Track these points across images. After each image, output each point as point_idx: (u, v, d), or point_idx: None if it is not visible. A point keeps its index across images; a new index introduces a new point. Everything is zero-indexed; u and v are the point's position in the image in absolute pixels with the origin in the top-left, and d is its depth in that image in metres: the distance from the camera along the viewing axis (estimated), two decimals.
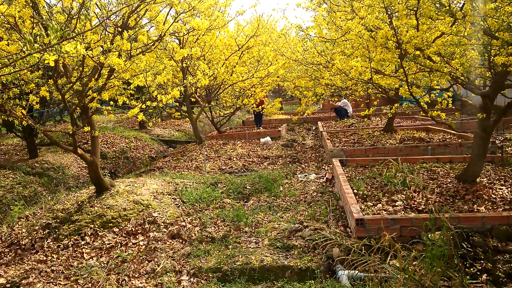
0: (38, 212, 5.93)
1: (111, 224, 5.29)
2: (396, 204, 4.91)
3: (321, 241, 4.34)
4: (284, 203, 6.20)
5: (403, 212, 4.68)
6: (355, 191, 5.43)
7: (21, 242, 5.19)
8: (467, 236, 4.14)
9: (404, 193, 5.24)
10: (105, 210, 5.48)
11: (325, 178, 7.26)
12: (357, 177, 6.25)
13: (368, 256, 3.67)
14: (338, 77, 7.16)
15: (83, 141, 13.09)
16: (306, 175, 7.74)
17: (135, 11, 4.90)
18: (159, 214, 5.56)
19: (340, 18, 5.89)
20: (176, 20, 4.96)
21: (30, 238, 5.23)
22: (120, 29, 4.81)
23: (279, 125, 14.45)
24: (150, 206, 5.68)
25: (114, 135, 14.12)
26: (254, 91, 11.96)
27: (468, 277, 3.57)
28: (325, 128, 12.44)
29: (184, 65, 9.29)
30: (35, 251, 4.98)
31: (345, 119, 13.92)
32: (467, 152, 7.54)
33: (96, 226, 5.24)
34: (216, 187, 6.95)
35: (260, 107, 12.64)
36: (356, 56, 6.30)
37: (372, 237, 4.25)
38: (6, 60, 2.32)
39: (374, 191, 5.46)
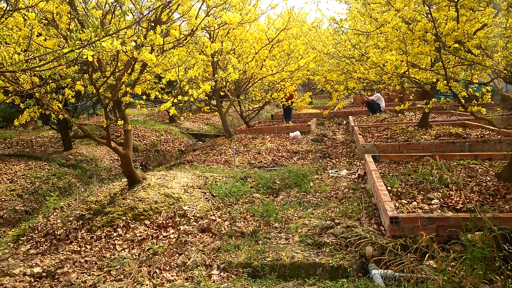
0: (73, 204, 6.10)
1: (143, 217, 5.37)
2: (432, 203, 4.74)
3: (353, 239, 4.24)
4: (315, 199, 6.12)
5: (440, 211, 4.51)
6: (389, 188, 5.28)
7: (56, 233, 5.35)
8: (510, 237, 3.94)
9: (441, 191, 5.05)
10: (136, 202, 5.57)
11: (357, 174, 7.11)
12: (391, 174, 6.08)
13: (404, 256, 3.55)
14: (373, 71, 6.97)
15: (115, 134, 13.41)
16: (337, 171, 7.61)
17: (168, 6, 4.91)
18: (189, 207, 5.59)
19: (374, 10, 5.72)
20: (208, 15, 4.93)
21: (65, 228, 5.38)
22: (153, 24, 4.84)
23: (308, 119, 14.29)
24: (180, 200, 5.73)
25: (145, 128, 14.39)
26: (284, 85, 11.86)
27: (510, 280, 3.40)
28: (356, 122, 12.20)
29: (215, 59, 9.30)
30: (69, 241, 5.12)
31: (378, 113, 13.61)
32: (508, 149, 7.20)
33: (128, 218, 5.33)
34: (246, 182, 6.94)
35: (289, 101, 12.52)
36: (390, 49, 6.11)
37: (407, 236, 4.11)
38: (49, 56, 2.35)
39: (409, 189, 5.29)
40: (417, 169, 6.04)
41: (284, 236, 4.83)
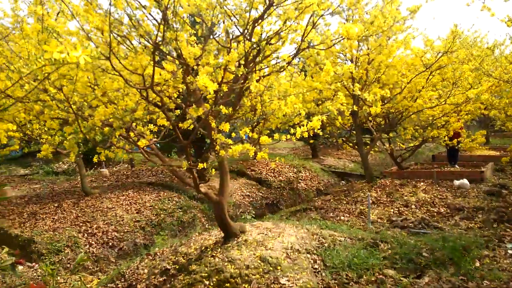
0: (165, 252, 5.39)
1: (228, 285, 4.23)
2: None
3: None
4: None
5: None
6: None
7: (137, 287, 4.62)
8: None
9: None
10: (225, 264, 4.47)
11: None
12: None
13: None
14: None
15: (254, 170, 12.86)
16: None
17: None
18: (288, 280, 4.21)
19: None
20: (314, 26, 3.64)
21: (147, 283, 4.64)
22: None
23: (482, 163, 11.21)
24: (279, 268, 4.39)
25: (282, 163, 13.57)
26: (447, 121, 9.49)
27: None
28: None
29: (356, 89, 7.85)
30: None
31: None
32: None
33: (211, 285, 4.26)
34: (377, 249, 5.18)
35: (455, 140, 9.97)
36: None
37: None
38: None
39: None
40: None
41: None
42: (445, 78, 8.68)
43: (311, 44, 3.87)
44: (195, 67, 3.58)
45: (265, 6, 3.57)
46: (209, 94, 3.04)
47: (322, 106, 4.04)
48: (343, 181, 13.77)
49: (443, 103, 8.61)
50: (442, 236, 5.60)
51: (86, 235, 7.25)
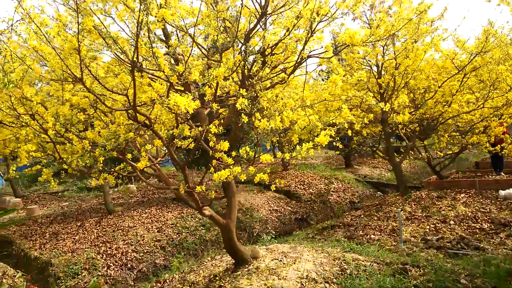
0: (174, 279, 5.08)
1: None
2: None
3: None
4: None
5: None
6: None
7: None
8: None
9: None
10: None
11: None
12: None
13: None
14: None
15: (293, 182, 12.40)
16: None
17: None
18: None
19: None
20: (313, 33, 3.24)
21: None
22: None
23: None
24: None
25: (313, 174, 13.03)
26: (488, 125, 8.67)
27: None
28: None
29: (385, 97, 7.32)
30: None
31: None
32: None
33: None
34: (406, 276, 4.62)
35: (498, 146, 9.10)
36: None
37: None
38: None
39: None
40: None
41: None
42: (482, 80, 7.91)
43: (312, 53, 3.47)
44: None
45: (258, 16, 3.23)
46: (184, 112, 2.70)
47: (325, 119, 3.62)
48: (379, 192, 13.04)
49: (481, 106, 7.85)
50: (483, 259, 4.97)
51: (105, 256, 7.10)
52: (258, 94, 3.40)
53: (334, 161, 17.18)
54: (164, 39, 3.99)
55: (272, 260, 4.73)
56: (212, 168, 3.37)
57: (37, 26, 2.67)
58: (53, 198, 12.23)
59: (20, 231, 7.95)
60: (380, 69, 8.29)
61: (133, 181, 13.39)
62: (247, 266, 4.64)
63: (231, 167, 3.46)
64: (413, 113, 8.26)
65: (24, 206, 10.84)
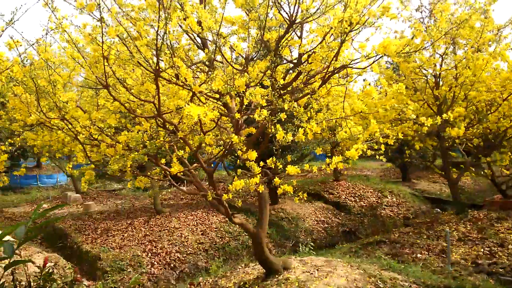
0: (207, 283, 5.15)
1: None
2: None
3: None
4: None
5: None
6: None
7: None
8: None
9: None
10: None
11: None
12: None
13: None
14: None
15: (332, 192, 12.08)
16: None
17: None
18: None
19: None
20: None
21: None
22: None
23: None
24: None
25: (365, 186, 12.57)
26: None
27: None
28: None
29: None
30: None
31: None
32: None
33: None
34: None
35: None
36: None
37: None
38: None
39: None
40: None
41: None
42: None
43: (345, 64, 3.37)
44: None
45: (287, 25, 3.21)
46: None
47: (348, 132, 3.49)
48: (437, 209, 12.26)
49: None
50: None
51: (150, 254, 7.40)
52: (286, 106, 3.36)
53: (391, 173, 16.49)
54: (202, 47, 4.10)
55: (303, 272, 4.63)
56: (236, 177, 3.39)
57: (69, 36, 2.89)
58: (110, 195, 12.98)
59: (76, 225, 8.54)
60: (437, 79, 7.83)
61: (185, 183, 13.81)
62: (277, 276, 4.59)
63: (258, 176, 3.46)
64: (472, 126, 7.69)
65: (83, 201, 11.63)
